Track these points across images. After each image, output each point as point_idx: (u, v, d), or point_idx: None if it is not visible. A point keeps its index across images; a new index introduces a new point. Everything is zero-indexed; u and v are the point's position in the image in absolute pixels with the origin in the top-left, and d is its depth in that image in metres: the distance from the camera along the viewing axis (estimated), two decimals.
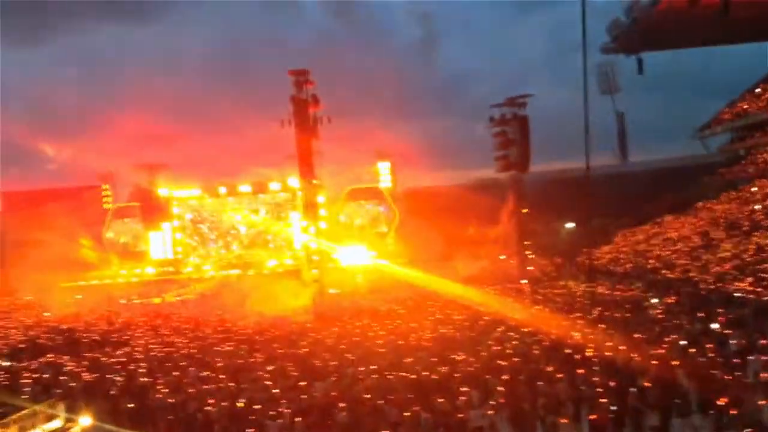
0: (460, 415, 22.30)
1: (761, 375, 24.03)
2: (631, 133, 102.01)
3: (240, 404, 25.52)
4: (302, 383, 27.70)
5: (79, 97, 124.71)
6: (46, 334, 46.83)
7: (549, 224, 75.49)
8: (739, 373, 24.39)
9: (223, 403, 25.65)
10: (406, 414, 22.73)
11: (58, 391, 29.17)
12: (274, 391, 27.22)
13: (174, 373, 31.52)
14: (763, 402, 20.98)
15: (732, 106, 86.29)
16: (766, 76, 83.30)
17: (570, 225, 77.71)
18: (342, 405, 24.10)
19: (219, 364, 33.17)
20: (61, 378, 32.29)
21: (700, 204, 73.58)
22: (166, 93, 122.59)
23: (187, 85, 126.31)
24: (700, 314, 35.18)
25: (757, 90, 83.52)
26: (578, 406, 22.59)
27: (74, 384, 30.72)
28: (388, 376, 27.67)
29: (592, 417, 21.35)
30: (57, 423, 26.20)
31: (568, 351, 29.23)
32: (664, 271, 53.48)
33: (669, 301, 41.01)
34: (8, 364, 36.68)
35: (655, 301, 41.47)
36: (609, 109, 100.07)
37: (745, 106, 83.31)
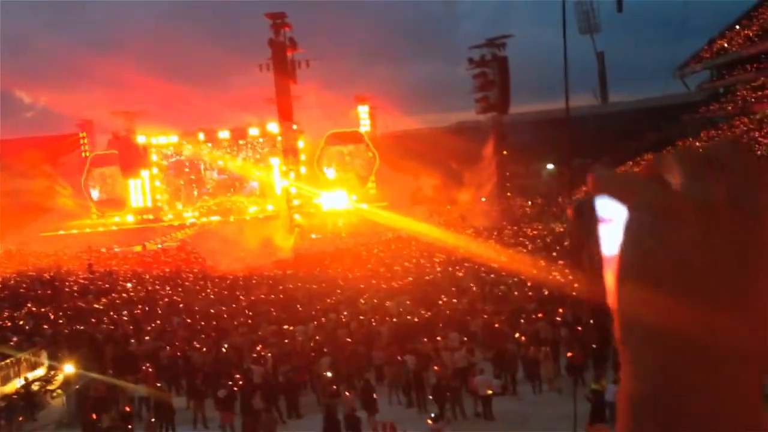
0: (442, 357, 22.51)
1: None
2: (611, 72, 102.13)
3: (223, 349, 25.65)
4: (285, 327, 27.82)
5: (56, 42, 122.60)
6: (27, 284, 46.66)
7: (529, 165, 75.50)
8: None
9: (205, 349, 25.76)
10: (388, 357, 22.93)
11: (41, 339, 29.19)
12: (256, 335, 27.36)
13: (156, 321, 31.54)
14: None
15: (711, 44, 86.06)
16: (745, 13, 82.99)
17: (550, 166, 77.83)
18: (325, 349, 24.26)
19: (201, 311, 33.25)
20: (44, 327, 32.28)
21: (680, 142, 73.83)
22: (143, 38, 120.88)
23: (164, 29, 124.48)
24: None
25: (737, 27, 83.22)
26: (557, 345, 22.85)
27: (57, 333, 30.70)
28: (370, 320, 27.82)
29: (569, 355, 21.63)
30: (40, 371, 26.32)
31: (546, 292, 29.47)
32: None
33: None
34: None
35: None
36: (589, 48, 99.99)
37: (725, 44, 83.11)
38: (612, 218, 0.68)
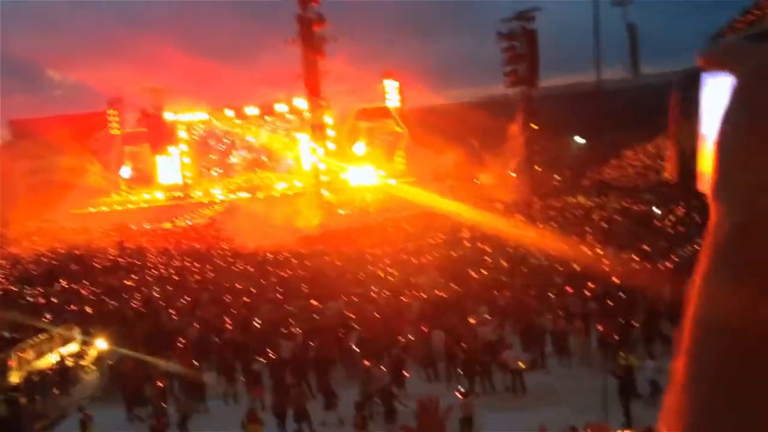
0: (472, 331, 22.48)
1: None
2: (643, 45, 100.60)
3: (253, 325, 25.77)
4: (314, 303, 27.90)
5: (86, 21, 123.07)
6: (59, 261, 47.20)
7: (559, 139, 74.83)
8: None
9: (235, 325, 25.90)
10: (416, 332, 22.92)
11: (73, 316, 29.53)
12: (286, 311, 27.46)
13: (186, 297, 31.76)
14: None
15: (745, 15, 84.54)
16: None
17: (579, 139, 77.14)
18: (354, 325, 24.30)
19: (231, 287, 33.44)
20: (76, 303, 32.66)
21: None
22: (171, 15, 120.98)
23: (192, 5, 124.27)
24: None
25: None
26: (588, 319, 22.70)
27: (89, 309, 31.05)
28: (398, 296, 27.81)
29: (599, 328, 21.48)
30: (73, 347, 26.64)
31: (576, 266, 29.27)
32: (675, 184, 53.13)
33: (678, 212, 40.78)
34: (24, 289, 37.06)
35: (664, 214, 41.32)
36: (620, 21, 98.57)
37: (759, 14, 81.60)
38: (719, 96, 0.62)
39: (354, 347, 22.44)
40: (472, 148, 67.55)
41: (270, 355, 22.00)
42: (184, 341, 24.20)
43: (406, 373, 20.31)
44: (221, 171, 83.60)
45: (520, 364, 19.98)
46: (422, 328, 23.05)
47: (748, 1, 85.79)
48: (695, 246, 31.32)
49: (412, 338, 22.86)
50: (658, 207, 43.96)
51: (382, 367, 20.27)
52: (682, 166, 0.75)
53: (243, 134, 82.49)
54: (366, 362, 20.73)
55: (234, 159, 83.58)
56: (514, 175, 67.28)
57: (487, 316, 23.98)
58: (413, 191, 64.63)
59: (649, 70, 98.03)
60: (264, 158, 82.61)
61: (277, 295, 30.51)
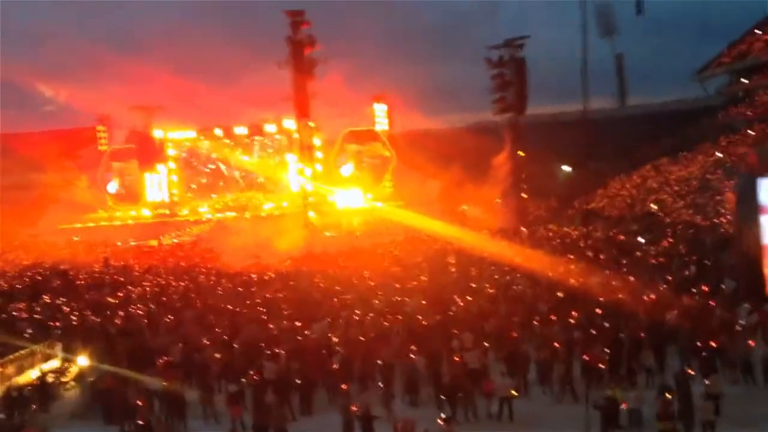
0: (456, 358, 22.46)
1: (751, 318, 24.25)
2: (630, 75, 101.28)
3: (236, 345, 25.67)
4: (298, 324, 27.82)
5: (77, 38, 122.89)
6: (43, 276, 46.92)
7: (546, 167, 75.08)
8: (731, 315, 24.59)
9: (218, 345, 25.79)
10: (399, 356, 22.87)
11: (55, 332, 29.34)
12: (270, 332, 27.37)
13: (170, 316, 31.61)
14: (752, 343, 21.21)
15: (731, 48, 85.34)
16: (765, 17, 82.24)
17: (567, 168, 77.45)
18: (337, 347, 24.25)
19: (215, 306, 33.33)
20: (59, 319, 32.45)
21: (698, 147, 73.25)
22: (162, 35, 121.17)
23: (182, 26, 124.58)
24: (694, 257, 35.32)
25: (757, 31, 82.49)
26: (571, 347, 22.73)
27: (72, 325, 30.86)
28: (383, 320, 27.76)
29: (585, 357, 21.50)
30: (55, 363, 26.47)
31: (561, 294, 29.34)
32: (660, 215, 53.45)
33: (665, 244, 41.00)
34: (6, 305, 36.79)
35: (649, 244, 41.51)
36: (608, 51, 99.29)
37: (745, 48, 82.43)
38: None
39: (336, 369, 22.39)
40: (465, 171, 67.59)
41: (253, 375, 21.91)
42: (166, 359, 24.07)
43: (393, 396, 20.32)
44: (208, 190, 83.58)
45: (513, 392, 19.98)
46: (404, 352, 23.00)
47: (735, 35, 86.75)
48: (676, 277, 31.48)
49: (394, 362, 22.78)
50: (643, 237, 44.18)
51: (365, 390, 20.21)
52: (750, 273, 0.74)
53: (231, 154, 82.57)
54: (346, 386, 20.67)
55: (221, 178, 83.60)
56: (499, 201, 67.47)
57: (471, 343, 23.94)
58: (401, 214, 64.78)
59: (636, 100, 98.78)
60: (251, 178, 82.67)
61: (262, 315, 30.40)
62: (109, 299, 37.00)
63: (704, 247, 37.97)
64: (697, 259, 34.74)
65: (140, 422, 18.89)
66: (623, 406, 17.95)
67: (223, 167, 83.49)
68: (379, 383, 21.59)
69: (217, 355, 24.49)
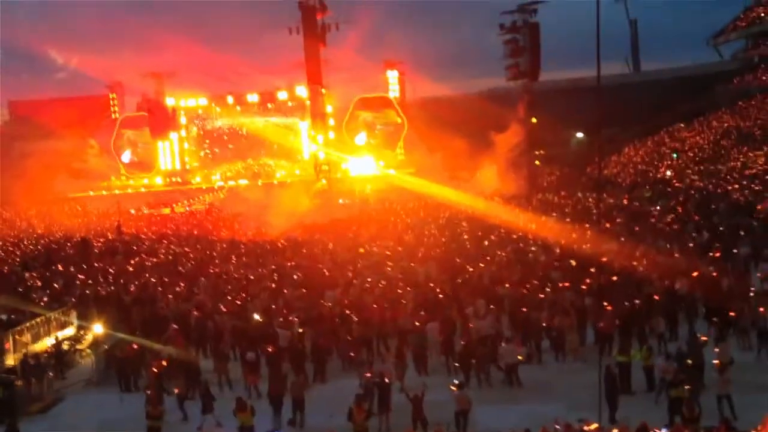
0: (469, 325, 22.50)
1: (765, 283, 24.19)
2: (644, 40, 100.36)
3: (249, 313, 25.74)
4: (311, 292, 27.89)
5: (90, 5, 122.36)
6: (56, 244, 47.13)
7: (559, 134, 74.67)
8: (744, 282, 24.53)
9: (232, 312, 25.88)
10: (412, 324, 22.91)
11: (70, 299, 29.52)
12: (283, 299, 27.46)
13: (183, 283, 31.72)
14: (761, 310, 21.09)
15: (747, 12, 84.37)
16: None
17: (580, 135, 77.08)
18: (351, 314, 24.28)
19: (228, 274, 33.45)
20: (74, 286, 32.66)
21: (712, 113, 72.71)
22: (175, 1, 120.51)
23: None
24: (707, 223, 35.20)
25: None
26: (584, 314, 22.73)
27: (86, 293, 31.04)
28: (396, 287, 27.77)
29: (599, 325, 21.49)
30: (70, 330, 26.67)
31: (573, 261, 29.27)
32: (673, 181, 53.22)
33: (678, 210, 40.80)
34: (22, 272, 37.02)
35: (662, 210, 41.34)
36: (622, 16, 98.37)
37: (761, 13, 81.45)
38: None
39: (350, 337, 22.45)
40: (477, 138, 67.24)
41: (267, 343, 21.96)
42: (180, 327, 24.16)
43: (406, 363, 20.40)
44: (221, 157, 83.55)
45: (519, 356, 20.00)
46: (417, 319, 23.05)
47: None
48: (690, 244, 31.38)
49: (407, 329, 22.81)
50: (655, 204, 44.04)
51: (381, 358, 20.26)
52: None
53: (244, 121, 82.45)
54: (361, 354, 20.71)
55: (234, 146, 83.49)
56: (512, 168, 67.18)
57: (484, 309, 23.96)
58: (413, 182, 64.65)
59: (650, 65, 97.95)
60: (264, 146, 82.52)
61: (274, 283, 30.46)
62: (123, 267, 37.16)
63: (717, 213, 37.84)
64: (709, 225, 34.63)
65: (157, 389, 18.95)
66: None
67: (236, 135, 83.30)
68: (392, 351, 21.68)
69: (231, 323, 24.58)
